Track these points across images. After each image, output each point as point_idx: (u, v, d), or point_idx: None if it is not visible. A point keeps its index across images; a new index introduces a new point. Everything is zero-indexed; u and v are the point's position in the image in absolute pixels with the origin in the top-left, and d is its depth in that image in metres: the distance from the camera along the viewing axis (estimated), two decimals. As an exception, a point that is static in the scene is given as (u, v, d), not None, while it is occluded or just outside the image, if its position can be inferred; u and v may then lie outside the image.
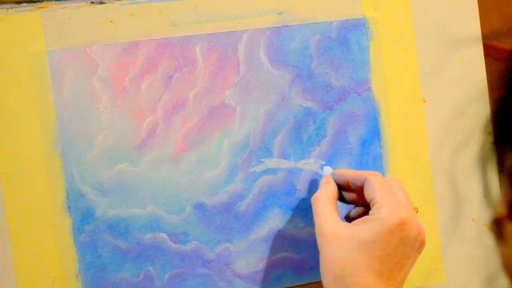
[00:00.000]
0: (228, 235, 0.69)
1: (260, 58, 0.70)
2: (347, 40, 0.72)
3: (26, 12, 0.64)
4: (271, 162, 0.70)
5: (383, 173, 0.73)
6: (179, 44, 0.68)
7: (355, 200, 0.67)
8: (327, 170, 0.68)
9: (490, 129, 0.38)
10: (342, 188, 0.67)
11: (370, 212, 0.60)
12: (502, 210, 0.37)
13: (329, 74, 0.72)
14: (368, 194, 0.62)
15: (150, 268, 0.67)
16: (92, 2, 0.66)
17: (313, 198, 0.64)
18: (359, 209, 0.67)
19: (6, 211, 0.63)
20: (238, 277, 0.69)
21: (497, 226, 0.39)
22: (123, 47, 0.66)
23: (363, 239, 0.58)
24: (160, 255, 0.67)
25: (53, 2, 0.65)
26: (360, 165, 0.72)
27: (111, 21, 0.66)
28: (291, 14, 0.71)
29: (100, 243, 0.66)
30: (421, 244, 0.60)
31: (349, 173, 0.65)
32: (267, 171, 0.70)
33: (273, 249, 0.70)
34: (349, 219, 0.68)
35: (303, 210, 0.71)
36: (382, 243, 0.57)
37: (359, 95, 0.72)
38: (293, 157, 0.71)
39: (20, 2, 0.64)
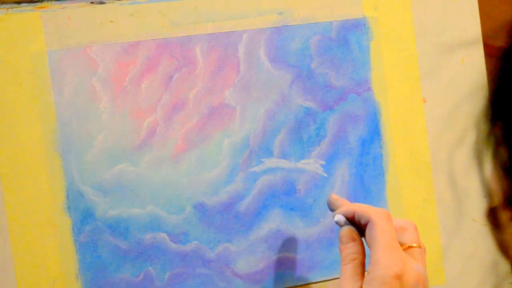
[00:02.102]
0: (228, 235, 0.69)
1: (260, 58, 0.70)
2: (347, 40, 0.72)
3: (26, 12, 0.64)
4: (271, 162, 0.70)
5: (382, 174, 0.73)
6: (179, 44, 0.68)
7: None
8: (341, 218, 0.63)
9: (483, 124, 0.39)
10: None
11: (368, 268, 0.59)
12: (496, 199, 0.37)
13: (329, 74, 0.72)
14: (368, 240, 0.60)
15: (150, 268, 0.67)
16: (92, 2, 0.66)
17: (342, 259, 0.61)
18: None
19: (6, 211, 0.63)
20: (238, 277, 0.69)
21: (493, 215, 0.39)
22: (123, 47, 0.66)
23: None
24: (160, 255, 0.67)
25: (53, 2, 0.65)
26: (360, 165, 0.72)
27: (111, 21, 0.66)
28: (291, 14, 0.71)
29: (100, 243, 0.66)
30: (424, 285, 0.59)
31: (355, 209, 0.62)
32: (267, 171, 0.70)
33: (273, 249, 0.70)
34: None
35: (303, 210, 0.71)
36: None
37: (359, 95, 0.72)
38: (293, 157, 0.71)
39: (20, 2, 0.64)
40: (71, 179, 0.65)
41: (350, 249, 0.61)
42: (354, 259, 0.60)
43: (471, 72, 0.76)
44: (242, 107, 0.69)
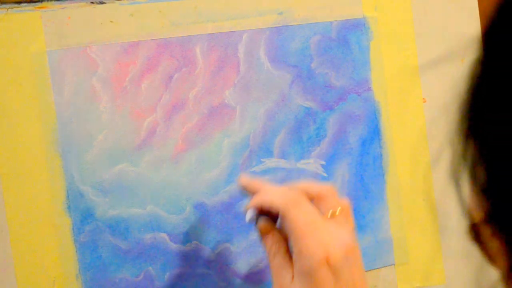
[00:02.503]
0: (228, 235, 0.69)
1: (260, 58, 0.70)
2: (347, 40, 0.72)
3: (26, 12, 0.64)
4: (271, 162, 0.70)
5: (382, 174, 0.73)
6: (179, 44, 0.68)
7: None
8: (252, 215, 0.60)
9: (457, 142, 0.39)
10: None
11: (293, 259, 0.56)
12: (476, 217, 0.37)
13: (329, 74, 0.72)
14: (285, 231, 0.58)
15: (150, 268, 0.67)
16: (92, 2, 0.66)
17: (267, 254, 0.59)
18: None
19: (6, 211, 0.63)
20: (238, 277, 0.69)
21: (474, 232, 0.39)
22: (123, 47, 0.66)
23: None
24: (160, 255, 0.67)
25: (53, 2, 0.65)
26: (360, 165, 0.72)
27: (111, 21, 0.66)
28: (291, 14, 0.71)
29: (100, 243, 0.66)
30: (353, 253, 0.57)
31: (262, 202, 0.60)
32: (267, 171, 0.70)
33: (273, 249, 0.70)
34: None
35: (303, 210, 0.71)
36: (318, 283, 0.55)
37: (359, 95, 0.72)
38: (293, 157, 0.71)
39: (20, 2, 0.64)
40: (71, 179, 0.65)
41: (270, 240, 0.59)
42: (278, 251, 0.58)
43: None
44: (242, 107, 0.69)
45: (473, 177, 0.36)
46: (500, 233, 0.36)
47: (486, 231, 0.37)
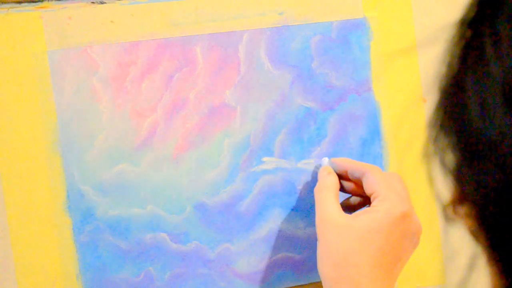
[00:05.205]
0: (228, 235, 0.69)
1: (261, 58, 0.70)
2: (348, 40, 0.72)
3: (27, 12, 0.64)
4: (272, 162, 0.70)
5: (383, 173, 0.73)
6: (179, 44, 0.68)
7: (352, 190, 0.67)
8: (326, 160, 0.69)
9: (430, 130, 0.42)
10: (339, 176, 0.68)
11: (373, 204, 0.61)
12: (449, 196, 0.39)
13: (329, 74, 0.72)
14: (369, 187, 0.62)
15: (150, 268, 0.67)
16: (93, 2, 0.66)
17: (316, 189, 0.64)
18: (357, 199, 0.68)
19: (6, 211, 0.63)
20: (238, 277, 0.69)
21: (450, 210, 0.41)
22: (124, 47, 0.66)
23: (366, 229, 0.59)
24: (160, 255, 0.67)
25: (53, 2, 0.65)
26: (360, 165, 0.72)
27: (111, 21, 0.66)
28: (292, 14, 0.71)
29: (100, 243, 0.66)
30: (418, 240, 0.62)
31: (349, 164, 0.66)
32: (267, 171, 0.70)
33: (273, 249, 0.70)
34: (346, 207, 0.68)
35: (304, 210, 0.71)
36: (385, 234, 0.59)
37: (359, 95, 0.72)
38: (293, 157, 0.71)
39: (20, 2, 0.64)
40: (71, 179, 0.65)
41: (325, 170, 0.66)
42: (329, 173, 0.66)
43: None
44: (243, 107, 0.69)
45: (443, 162, 0.39)
46: (475, 212, 0.37)
47: (460, 211, 0.39)
